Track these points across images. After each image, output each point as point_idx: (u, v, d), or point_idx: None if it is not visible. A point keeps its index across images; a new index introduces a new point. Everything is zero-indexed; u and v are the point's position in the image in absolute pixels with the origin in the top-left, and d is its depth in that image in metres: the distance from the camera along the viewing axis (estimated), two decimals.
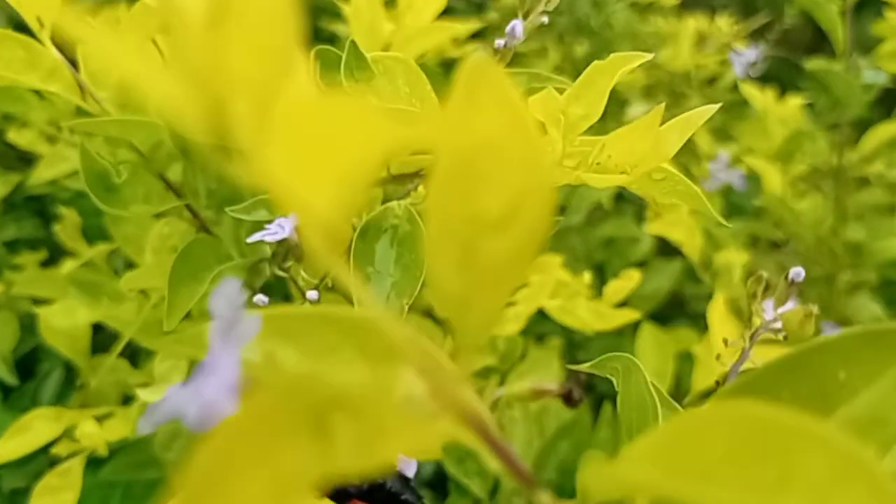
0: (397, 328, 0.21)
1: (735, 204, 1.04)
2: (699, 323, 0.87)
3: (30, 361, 0.66)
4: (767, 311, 0.71)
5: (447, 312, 0.18)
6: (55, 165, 0.74)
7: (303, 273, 0.42)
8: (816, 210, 0.82)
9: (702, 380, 0.69)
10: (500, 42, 0.40)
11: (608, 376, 0.32)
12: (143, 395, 0.52)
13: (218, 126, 0.14)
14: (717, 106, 0.31)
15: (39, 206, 0.81)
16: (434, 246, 0.18)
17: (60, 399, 0.66)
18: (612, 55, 0.34)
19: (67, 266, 0.65)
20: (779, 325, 0.32)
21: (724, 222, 0.37)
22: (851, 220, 0.82)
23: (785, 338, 0.32)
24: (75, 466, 0.55)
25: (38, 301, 0.65)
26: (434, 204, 0.18)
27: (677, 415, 0.29)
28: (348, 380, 0.21)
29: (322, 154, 0.13)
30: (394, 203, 0.42)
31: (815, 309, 0.30)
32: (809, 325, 0.29)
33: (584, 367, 0.33)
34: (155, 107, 0.55)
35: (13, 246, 0.75)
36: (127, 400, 0.62)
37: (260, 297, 0.41)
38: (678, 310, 0.96)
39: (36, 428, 0.56)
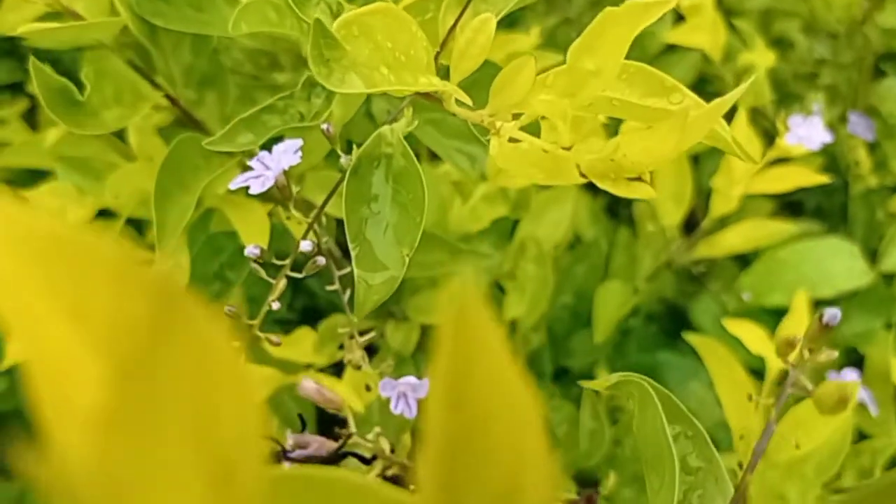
0: None
1: None
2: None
3: None
4: (794, 127, 0.67)
5: None
6: (19, 9, 0.68)
7: (294, 213, 0.39)
8: None
9: (718, 207, 0.67)
10: None
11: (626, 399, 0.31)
12: None
13: None
14: (745, 87, 0.27)
15: (10, 46, 0.75)
16: None
17: None
18: (627, 2, 0.29)
19: (52, 135, 0.61)
20: (804, 382, 0.29)
21: (751, 158, 0.33)
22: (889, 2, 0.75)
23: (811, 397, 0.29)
24: None
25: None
26: (424, 486, 0.15)
27: None
28: None
29: None
30: (385, 129, 0.38)
31: (851, 388, 0.27)
32: (844, 404, 0.27)
33: (597, 384, 0.31)
34: None
35: None
36: None
37: (251, 249, 0.38)
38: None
39: None
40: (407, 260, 0.37)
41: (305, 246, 0.38)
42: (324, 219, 0.41)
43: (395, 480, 0.29)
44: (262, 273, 0.40)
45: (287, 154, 0.37)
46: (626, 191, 0.26)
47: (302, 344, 0.55)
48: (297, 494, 0.21)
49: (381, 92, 0.34)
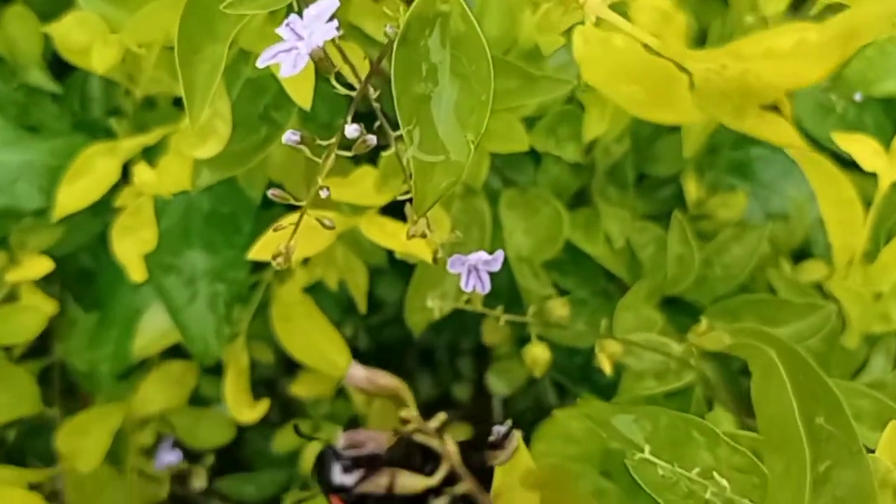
0: None
1: None
2: None
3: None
4: None
5: None
6: None
7: (339, 87, 0.33)
8: None
9: None
10: None
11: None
12: (196, 152, 0.46)
13: None
14: None
15: None
16: None
17: (109, 94, 0.60)
18: None
19: None
20: None
21: None
22: None
23: None
24: (145, 205, 0.52)
25: None
26: None
27: None
28: None
29: None
30: None
31: None
32: None
33: (711, 342, 0.26)
34: None
35: None
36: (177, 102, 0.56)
37: (290, 136, 0.33)
38: None
39: (96, 167, 0.52)
40: (472, 147, 0.31)
41: (352, 132, 0.32)
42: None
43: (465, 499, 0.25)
44: (307, 152, 0.35)
45: (320, 23, 0.31)
46: (753, 125, 0.20)
47: (362, 184, 0.51)
48: None
49: None
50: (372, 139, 0.34)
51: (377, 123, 0.37)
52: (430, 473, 0.25)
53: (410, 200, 0.40)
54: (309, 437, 0.26)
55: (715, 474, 0.30)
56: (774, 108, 0.20)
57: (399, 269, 0.66)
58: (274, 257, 0.38)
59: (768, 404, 0.25)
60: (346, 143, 0.36)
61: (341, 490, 0.24)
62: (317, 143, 0.34)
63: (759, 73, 0.20)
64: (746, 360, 0.26)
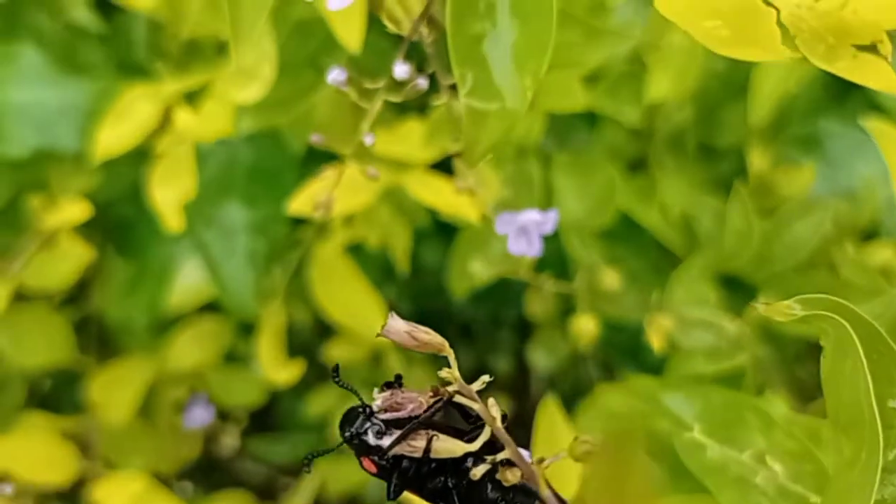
0: None
1: None
2: None
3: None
4: None
5: None
6: None
7: (389, 24, 0.31)
8: None
9: None
10: None
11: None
12: (239, 94, 0.45)
13: None
14: None
15: None
16: None
17: (154, 38, 0.59)
18: None
19: None
20: None
21: None
22: None
23: None
24: (186, 152, 0.51)
25: None
26: None
27: None
28: None
29: None
30: None
31: None
32: None
33: (777, 311, 0.24)
34: None
35: None
36: (221, 50, 0.55)
37: (336, 74, 0.31)
38: None
39: (138, 111, 0.51)
40: (529, 94, 0.29)
41: (401, 72, 0.30)
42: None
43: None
44: (353, 96, 0.33)
45: None
46: (847, 67, 0.17)
47: (409, 139, 0.49)
48: None
49: None
50: (423, 83, 0.32)
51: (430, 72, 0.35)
52: (471, 440, 0.23)
53: (460, 154, 0.38)
54: (346, 385, 0.23)
55: (767, 458, 0.28)
56: (872, 49, 0.17)
57: (443, 235, 0.64)
58: (315, 208, 0.37)
59: (840, 383, 0.23)
60: (395, 89, 0.34)
61: (375, 452, 0.22)
62: (364, 87, 0.32)
63: (857, 9, 0.17)
64: (818, 334, 0.24)
